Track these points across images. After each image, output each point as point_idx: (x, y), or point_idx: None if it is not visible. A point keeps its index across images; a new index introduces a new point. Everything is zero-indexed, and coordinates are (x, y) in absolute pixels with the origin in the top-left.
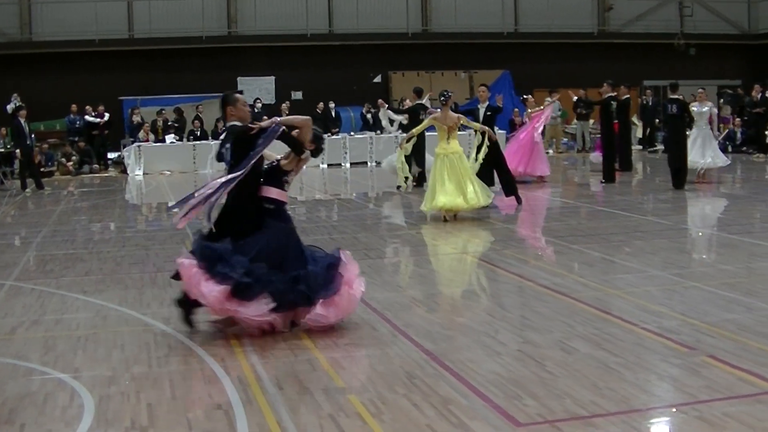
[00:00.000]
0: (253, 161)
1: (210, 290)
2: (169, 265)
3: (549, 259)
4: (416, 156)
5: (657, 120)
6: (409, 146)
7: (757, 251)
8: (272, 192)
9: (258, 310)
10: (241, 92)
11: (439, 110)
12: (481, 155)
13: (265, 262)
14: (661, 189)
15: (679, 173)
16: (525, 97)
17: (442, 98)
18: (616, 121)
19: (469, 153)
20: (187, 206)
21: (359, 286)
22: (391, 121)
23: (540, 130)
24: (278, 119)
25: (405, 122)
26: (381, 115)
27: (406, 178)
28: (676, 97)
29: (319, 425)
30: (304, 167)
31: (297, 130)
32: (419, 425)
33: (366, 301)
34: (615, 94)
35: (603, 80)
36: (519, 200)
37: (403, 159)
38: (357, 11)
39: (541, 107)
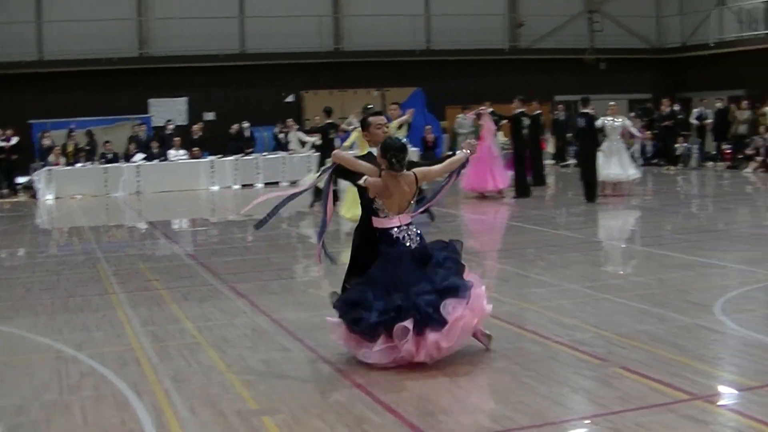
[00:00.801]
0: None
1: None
2: (80, 289)
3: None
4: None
5: (569, 134)
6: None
7: (668, 262)
8: (373, 221)
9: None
10: (378, 113)
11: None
12: None
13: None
14: (573, 203)
15: (590, 186)
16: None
17: (370, 110)
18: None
19: None
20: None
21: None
22: (303, 143)
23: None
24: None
25: (318, 143)
26: (290, 137)
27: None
28: (585, 111)
29: None
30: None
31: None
32: None
33: (278, 320)
34: (525, 109)
35: (515, 96)
36: (432, 217)
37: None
38: (269, 31)
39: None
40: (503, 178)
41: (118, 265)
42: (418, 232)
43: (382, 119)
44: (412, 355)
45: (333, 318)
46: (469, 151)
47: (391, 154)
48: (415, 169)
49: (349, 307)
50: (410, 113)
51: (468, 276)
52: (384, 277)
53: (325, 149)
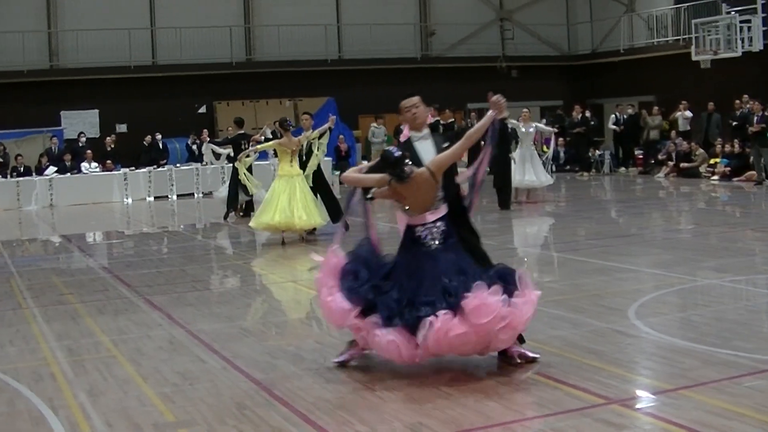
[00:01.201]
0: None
1: (338, 305)
2: None
3: None
4: (243, 186)
5: (482, 142)
6: (249, 161)
7: (582, 268)
8: (401, 218)
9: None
10: (410, 94)
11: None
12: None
13: (394, 282)
14: (487, 210)
15: (503, 194)
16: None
17: (287, 123)
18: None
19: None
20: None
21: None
22: (217, 155)
23: None
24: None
25: (231, 154)
26: (204, 149)
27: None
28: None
29: None
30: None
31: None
32: None
33: (194, 332)
34: (440, 118)
35: (428, 104)
36: (346, 226)
37: (245, 171)
38: (180, 42)
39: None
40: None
41: (31, 279)
42: (443, 228)
43: (412, 101)
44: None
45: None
46: (495, 112)
47: (389, 170)
48: (428, 163)
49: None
50: (332, 120)
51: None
52: (396, 268)
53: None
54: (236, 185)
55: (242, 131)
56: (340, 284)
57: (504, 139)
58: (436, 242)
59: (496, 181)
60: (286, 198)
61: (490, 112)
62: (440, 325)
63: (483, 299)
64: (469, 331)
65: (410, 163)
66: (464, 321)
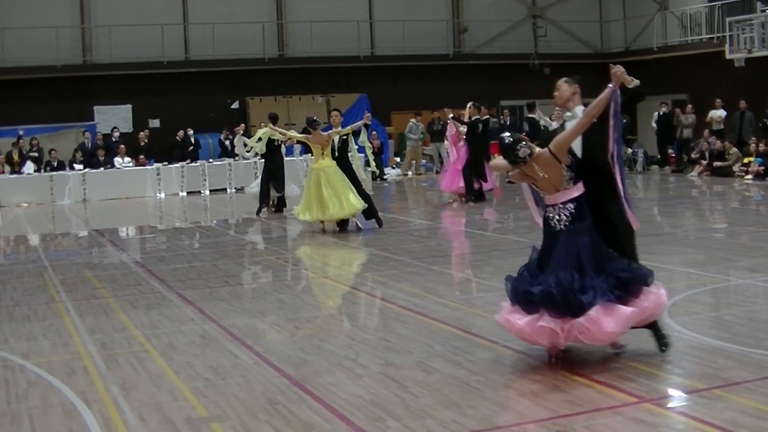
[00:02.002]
0: None
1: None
2: (27, 298)
3: (409, 280)
4: (275, 182)
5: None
6: (268, 132)
7: None
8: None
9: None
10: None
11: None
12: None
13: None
14: (520, 207)
15: None
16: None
17: (315, 123)
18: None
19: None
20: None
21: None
22: (248, 148)
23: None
24: None
25: (260, 152)
26: (236, 141)
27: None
28: (531, 116)
29: None
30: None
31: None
32: None
33: (226, 327)
34: (479, 116)
35: (460, 102)
36: (380, 222)
37: (260, 137)
38: (213, 38)
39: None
40: (490, 177)
41: (64, 274)
42: (572, 210)
43: (557, 84)
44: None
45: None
46: (614, 84)
47: (504, 156)
48: (550, 145)
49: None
50: (367, 117)
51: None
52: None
53: (269, 156)
54: (268, 181)
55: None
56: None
57: (536, 137)
58: (561, 224)
59: None
60: (319, 191)
61: (610, 85)
62: (594, 319)
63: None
64: (617, 331)
65: (525, 144)
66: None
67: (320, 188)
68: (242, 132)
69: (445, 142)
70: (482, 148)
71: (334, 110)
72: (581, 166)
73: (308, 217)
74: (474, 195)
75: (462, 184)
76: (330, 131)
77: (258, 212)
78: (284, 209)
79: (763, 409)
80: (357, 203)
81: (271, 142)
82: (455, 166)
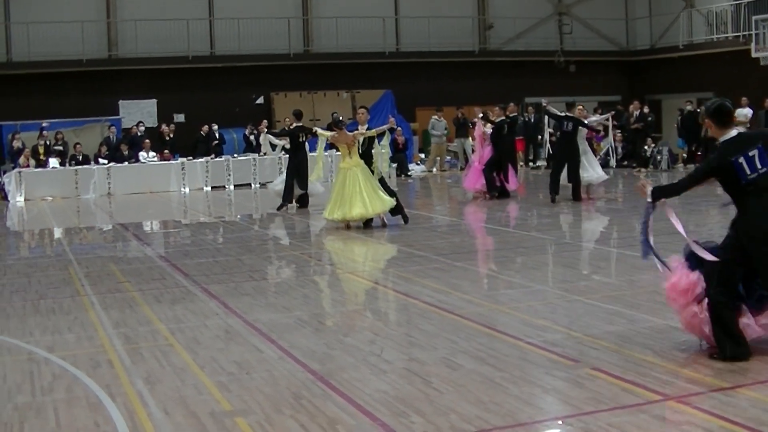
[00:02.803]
0: None
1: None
2: (51, 291)
3: (433, 276)
4: (299, 179)
5: (540, 137)
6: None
7: (638, 264)
8: None
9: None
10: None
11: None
12: (383, 167)
13: None
14: (542, 204)
15: (577, 186)
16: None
17: (340, 123)
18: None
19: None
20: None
21: None
22: (273, 146)
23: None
24: None
25: (287, 146)
26: (261, 140)
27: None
28: (571, 115)
29: None
30: None
31: None
32: None
33: (251, 322)
34: (504, 116)
35: (485, 98)
36: (405, 219)
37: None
38: (238, 33)
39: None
40: (513, 178)
41: (89, 267)
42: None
43: None
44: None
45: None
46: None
47: None
48: None
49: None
50: (392, 122)
51: None
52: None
53: (294, 152)
54: (292, 177)
55: (300, 123)
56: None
57: (573, 136)
58: None
59: (570, 177)
60: (346, 191)
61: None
62: None
63: None
64: None
65: None
66: None
67: (347, 188)
68: (266, 130)
69: (470, 140)
70: (508, 149)
71: (361, 107)
72: None
73: (336, 217)
74: (497, 191)
75: (484, 182)
76: (355, 131)
77: (279, 208)
78: (308, 206)
79: None
80: (383, 203)
81: (295, 139)
82: (479, 166)
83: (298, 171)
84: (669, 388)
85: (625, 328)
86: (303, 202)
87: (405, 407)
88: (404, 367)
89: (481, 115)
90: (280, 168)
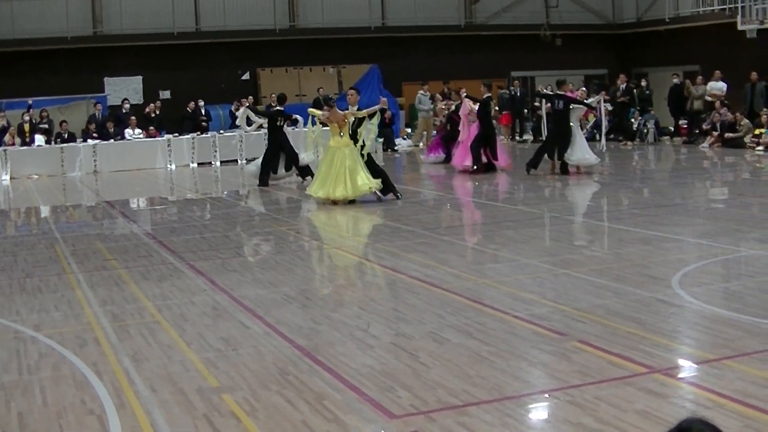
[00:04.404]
0: None
1: None
2: (38, 270)
3: (420, 251)
4: (287, 161)
5: (525, 110)
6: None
7: (625, 237)
8: None
9: None
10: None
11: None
12: (368, 142)
13: None
14: (533, 178)
15: (565, 163)
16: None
17: (330, 100)
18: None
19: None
20: None
21: None
22: (249, 122)
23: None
24: None
25: (265, 126)
26: (240, 113)
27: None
28: (562, 92)
29: (193, 425)
30: None
31: None
32: (293, 422)
33: (237, 298)
34: (490, 94)
35: (471, 72)
36: (397, 195)
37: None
38: (224, 8)
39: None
40: (503, 155)
41: (75, 245)
42: None
43: None
44: None
45: None
46: None
47: None
48: None
49: None
50: (384, 102)
51: None
52: None
53: (271, 134)
54: (270, 161)
55: (281, 108)
56: None
57: (565, 114)
58: None
59: (560, 154)
60: (332, 170)
61: None
62: None
63: None
64: None
65: None
66: None
67: (333, 167)
68: (248, 105)
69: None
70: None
71: (351, 89)
72: None
73: (320, 195)
74: (481, 165)
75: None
76: (347, 111)
77: (262, 183)
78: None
79: None
80: (366, 184)
81: (273, 121)
82: (466, 143)
83: (282, 151)
84: (655, 361)
85: (612, 302)
86: (306, 171)
87: (392, 382)
88: (391, 341)
89: (464, 93)
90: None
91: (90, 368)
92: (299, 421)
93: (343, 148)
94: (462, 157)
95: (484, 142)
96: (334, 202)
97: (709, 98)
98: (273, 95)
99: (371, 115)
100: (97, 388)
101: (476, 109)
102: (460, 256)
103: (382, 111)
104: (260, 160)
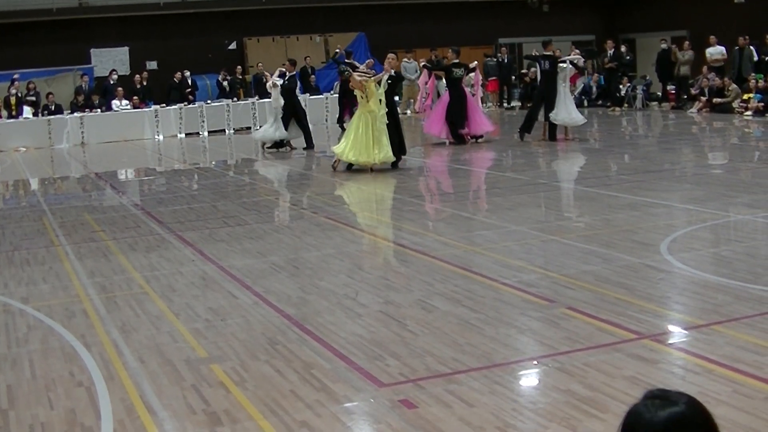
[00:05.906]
0: None
1: None
2: (26, 242)
3: (408, 218)
4: (299, 122)
5: (513, 77)
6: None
7: (613, 203)
8: None
9: None
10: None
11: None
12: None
13: None
14: (519, 144)
15: (552, 125)
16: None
17: (346, 72)
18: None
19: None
20: None
21: None
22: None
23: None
24: None
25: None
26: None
27: None
28: (548, 53)
29: (182, 396)
30: None
31: None
32: (282, 391)
33: (226, 268)
34: (458, 60)
35: (459, 40)
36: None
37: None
38: None
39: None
40: (486, 120)
41: (63, 217)
42: None
43: None
44: None
45: None
46: None
47: None
48: None
49: None
50: (394, 64)
51: None
52: None
53: (289, 98)
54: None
55: (295, 71)
56: None
57: (552, 74)
58: None
59: (546, 116)
60: (359, 136)
61: None
62: None
63: None
64: None
65: None
66: None
67: (360, 133)
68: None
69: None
70: (462, 94)
71: (391, 53)
72: None
73: (349, 158)
74: (460, 139)
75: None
76: (362, 78)
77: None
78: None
79: (762, 344)
80: (385, 155)
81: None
82: (437, 111)
83: (295, 114)
84: (644, 327)
85: (601, 268)
86: (310, 144)
87: (380, 350)
88: (379, 310)
89: (423, 62)
90: (255, 113)
91: (78, 340)
92: (288, 391)
93: (367, 114)
94: (431, 125)
95: (456, 114)
96: (371, 169)
97: (713, 65)
98: (259, 64)
99: (378, 82)
100: (85, 360)
101: (441, 75)
102: (448, 224)
103: (398, 75)
104: (270, 126)
